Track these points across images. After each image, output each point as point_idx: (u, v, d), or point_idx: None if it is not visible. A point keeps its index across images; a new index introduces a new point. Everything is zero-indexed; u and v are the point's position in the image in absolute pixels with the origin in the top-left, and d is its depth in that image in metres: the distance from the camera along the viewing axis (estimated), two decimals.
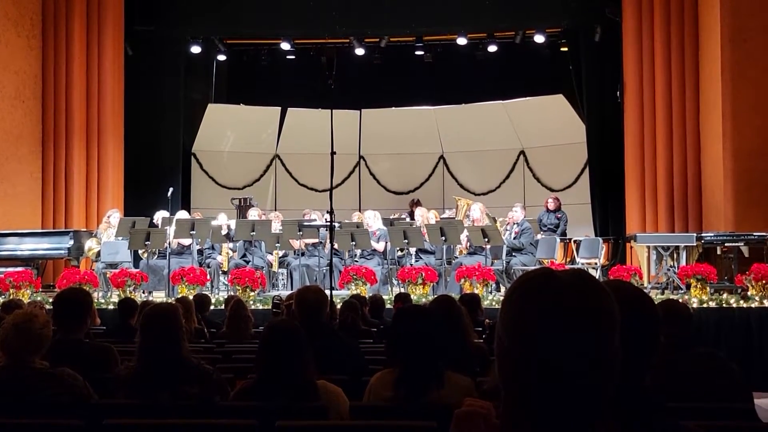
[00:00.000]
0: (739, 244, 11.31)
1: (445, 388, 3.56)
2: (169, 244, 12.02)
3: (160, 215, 13.03)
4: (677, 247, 11.65)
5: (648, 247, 11.98)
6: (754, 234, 11.28)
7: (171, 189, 13.71)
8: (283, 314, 6.95)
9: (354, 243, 12.03)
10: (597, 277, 1.45)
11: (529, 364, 1.31)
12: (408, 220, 14.91)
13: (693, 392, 3.70)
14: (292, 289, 11.23)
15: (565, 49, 16.03)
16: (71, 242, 12.67)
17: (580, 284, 1.34)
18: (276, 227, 12.72)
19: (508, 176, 17.67)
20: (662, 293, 10.91)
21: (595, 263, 12.51)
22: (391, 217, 15.19)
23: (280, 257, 13.09)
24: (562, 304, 1.31)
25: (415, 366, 3.59)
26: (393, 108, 17.79)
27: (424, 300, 10.07)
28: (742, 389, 3.94)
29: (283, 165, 18.38)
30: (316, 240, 12.82)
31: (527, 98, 16.81)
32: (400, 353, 3.65)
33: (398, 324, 3.82)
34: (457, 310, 4.98)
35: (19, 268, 11.81)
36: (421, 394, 3.55)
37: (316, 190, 17.70)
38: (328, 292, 6.34)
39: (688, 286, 10.51)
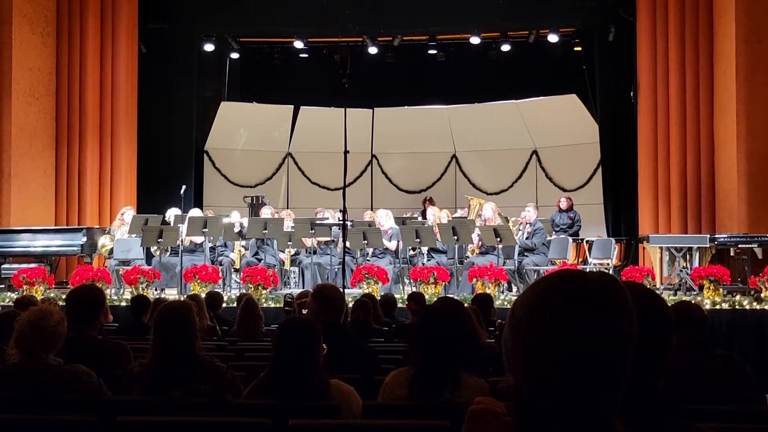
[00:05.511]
0: (752, 245, 11.26)
1: (460, 390, 3.55)
2: (182, 241, 12.06)
3: (172, 213, 13.05)
4: (690, 249, 11.61)
5: (661, 248, 11.94)
6: None
7: (183, 187, 13.73)
8: (295, 312, 6.96)
9: (366, 242, 12.04)
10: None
11: (548, 352, 1.32)
12: (420, 219, 14.91)
13: (706, 394, 3.69)
14: (303, 288, 11.24)
15: (579, 48, 15.99)
16: (84, 239, 12.71)
17: (606, 281, 1.37)
18: (288, 225, 12.74)
19: (520, 176, 17.64)
20: (675, 294, 10.88)
21: (608, 264, 12.48)
22: (404, 216, 15.20)
23: (292, 255, 13.11)
24: (588, 295, 1.34)
25: (431, 366, 3.59)
26: (405, 107, 17.79)
27: (435, 300, 10.05)
28: (756, 391, 3.94)
29: (296, 163, 18.40)
30: (329, 238, 12.83)
31: (540, 98, 16.77)
32: (417, 353, 3.64)
33: (424, 325, 3.80)
34: (463, 311, 4.97)
35: (33, 265, 11.86)
36: (436, 393, 3.55)
37: (329, 189, 17.70)
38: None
39: (701, 288, 10.48)
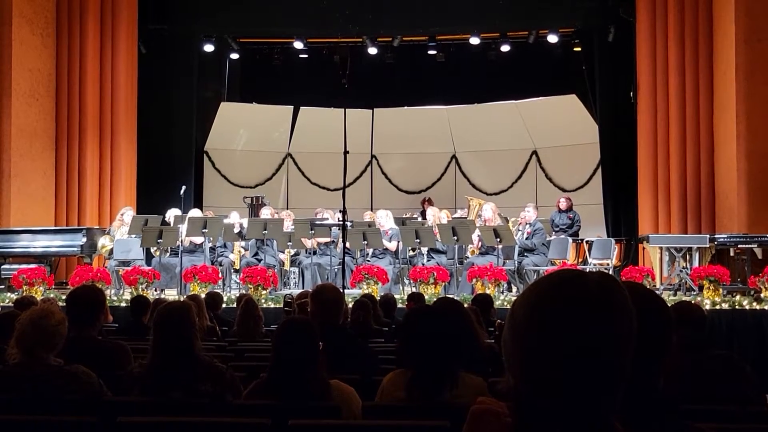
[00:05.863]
0: (752, 245, 11.26)
1: (458, 389, 3.55)
2: (182, 242, 12.06)
3: (172, 213, 13.05)
4: (690, 249, 11.61)
5: (660, 248, 11.94)
6: None
7: (183, 187, 13.72)
8: (295, 313, 6.96)
9: (366, 242, 12.03)
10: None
11: (548, 353, 1.32)
12: (420, 219, 14.91)
13: (706, 394, 3.69)
14: (303, 288, 11.24)
15: (579, 49, 15.98)
16: (84, 240, 12.71)
17: (606, 281, 1.37)
18: (288, 226, 12.74)
19: (520, 176, 17.64)
20: (675, 295, 10.88)
21: (608, 264, 12.48)
22: (403, 216, 15.19)
23: (291, 256, 13.11)
24: (587, 295, 1.34)
25: (428, 367, 3.58)
26: (405, 107, 17.79)
27: (434, 300, 10.05)
28: (756, 391, 3.94)
29: (296, 164, 18.40)
30: (328, 239, 12.83)
31: (540, 98, 16.77)
32: (414, 354, 3.64)
33: (410, 324, 3.80)
34: (459, 310, 4.96)
35: (33, 265, 11.86)
36: (434, 394, 3.54)
37: (328, 189, 17.71)
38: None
39: (701, 288, 10.47)
